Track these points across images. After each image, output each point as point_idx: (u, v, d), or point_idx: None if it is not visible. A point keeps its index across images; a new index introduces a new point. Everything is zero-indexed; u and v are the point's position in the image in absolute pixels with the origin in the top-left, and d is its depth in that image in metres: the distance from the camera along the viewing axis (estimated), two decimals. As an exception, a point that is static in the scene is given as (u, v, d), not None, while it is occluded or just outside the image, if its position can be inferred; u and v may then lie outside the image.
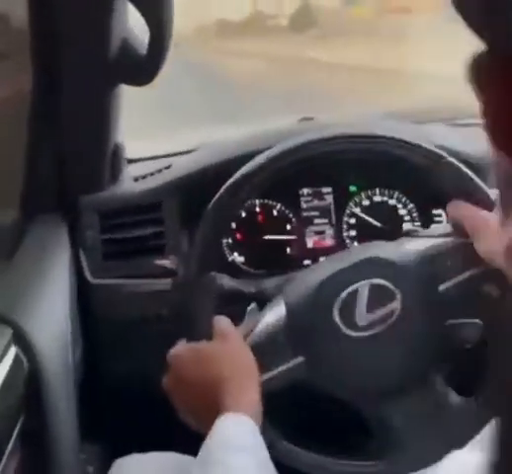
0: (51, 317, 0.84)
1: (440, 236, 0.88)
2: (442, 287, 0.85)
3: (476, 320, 0.89)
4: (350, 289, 0.83)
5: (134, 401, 1.06)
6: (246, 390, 0.74)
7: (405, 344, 0.84)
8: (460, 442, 0.86)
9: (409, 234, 0.92)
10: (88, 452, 1.00)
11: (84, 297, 1.04)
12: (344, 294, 0.83)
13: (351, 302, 0.83)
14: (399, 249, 0.88)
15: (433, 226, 0.93)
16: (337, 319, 0.83)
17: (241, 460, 0.64)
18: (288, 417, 0.83)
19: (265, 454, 0.68)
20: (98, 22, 0.92)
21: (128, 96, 1.07)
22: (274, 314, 0.86)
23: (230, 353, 0.78)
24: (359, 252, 0.91)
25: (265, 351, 0.82)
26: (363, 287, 0.83)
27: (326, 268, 0.88)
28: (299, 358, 0.83)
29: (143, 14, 0.87)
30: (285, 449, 0.85)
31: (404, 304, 0.83)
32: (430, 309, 0.85)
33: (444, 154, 0.86)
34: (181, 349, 0.80)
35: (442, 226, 0.90)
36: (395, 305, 0.83)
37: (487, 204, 0.84)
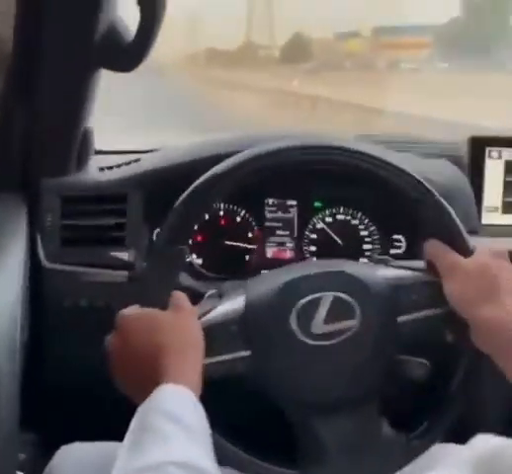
0: (2, 297, 0.81)
1: (412, 270, 0.88)
2: (400, 319, 0.85)
3: (425, 361, 0.91)
4: (313, 296, 0.83)
5: (75, 390, 1.03)
6: (189, 363, 0.74)
7: (352, 363, 0.84)
8: (381, 472, 0.86)
9: (383, 262, 0.92)
10: (21, 439, 0.97)
11: (36, 281, 1.01)
12: (306, 299, 0.83)
13: (311, 309, 0.83)
14: (370, 271, 0.88)
15: (408, 261, 0.94)
16: (293, 322, 0.82)
17: (174, 427, 0.63)
18: (221, 407, 0.82)
19: (204, 427, 0.67)
20: (86, 2, 0.90)
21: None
22: (232, 304, 0.85)
23: (181, 325, 0.77)
24: (331, 264, 0.91)
25: (215, 335, 0.81)
26: (326, 298, 0.83)
27: (294, 271, 0.88)
28: (247, 352, 0.82)
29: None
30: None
31: (361, 325, 0.83)
32: (384, 338, 0.85)
33: (434, 191, 0.86)
34: (132, 311, 0.78)
35: (416, 261, 0.90)
36: (353, 323, 0.83)
37: (464, 250, 0.85)
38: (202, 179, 0.83)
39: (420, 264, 0.89)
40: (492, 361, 0.78)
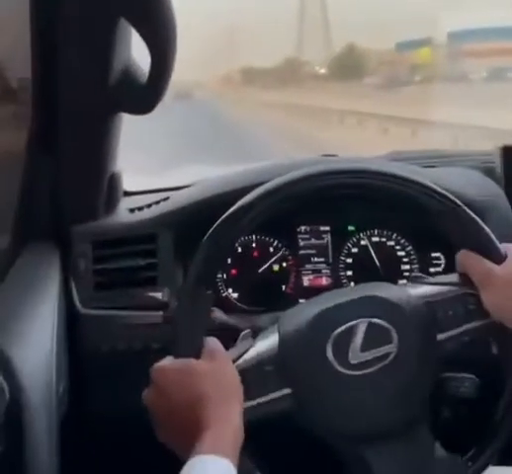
0: (38, 345, 0.82)
1: (445, 284, 0.86)
2: (440, 336, 0.83)
3: (473, 376, 0.87)
4: (347, 325, 0.81)
5: (120, 436, 1.03)
6: (229, 411, 0.72)
7: (396, 388, 0.81)
8: None
9: (415, 280, 0.91)
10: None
11: (73, 327, 1.01)
12: (340, 329, 0.81)
13: (346, 339, 0.81)
14: (403, 292, 0.86)
15: (441, 275, 0.92)
16: (330, 354, 0.80)
17: None
18: (267, 450, 0.80)
19: None
20: (100, 48, 0.91)
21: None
22: (266, 342, 0.83)
23: (217, 372, 0.76)
24: (361, 289, 0.89)
25: (252, 377, 0.80)
26: (361, 325, 0.81)
27: (325, 301, 0.86)
28: (286, 390, 0.80)
29: (147, 42, 0.86)
30: None
31: (400, 348, 0.81)
32: (426, 358, 0.82)
33: (458, 201, 0.84)
34: (166, 363, 0.77)
35: (449, 275, 0.88)
36: (391, 348, 0.81)
37: (497, 257, 0.83)
38: (228, 212, 0.83)
39: (454, 277, 0.86)
40: None
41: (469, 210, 0.85)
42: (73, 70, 0.93)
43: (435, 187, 0.84)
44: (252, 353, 0.82)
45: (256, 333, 0.87)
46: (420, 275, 0.93)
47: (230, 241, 0.84)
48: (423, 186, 0.84)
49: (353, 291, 0.90)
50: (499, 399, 0.85)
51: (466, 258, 0.84)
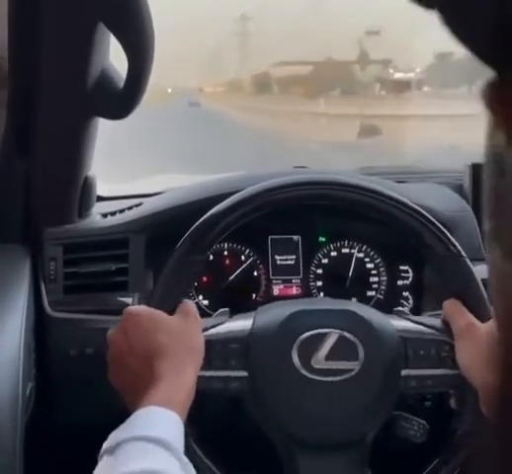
0: (5, 348, 0.81)
1: (427, 326, 0.87)
2: (405, 372, 0.84)
3: (423, 421, 0.89)
4: (319, 331, 0.82)
5: (86, 440, 1.02)
6: (185, 370, 0.73)
7: (347, 406, 0.82)
8: None
9: (398, 314, 0.92)
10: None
11: (42, 330, 1.01)
12: (311, 333, 0.82)
13: (314, 343, 0.82)
14: (384, 319, 0.87)
15: (425, 317, 0.94)
16: (295, 353, 0.82)
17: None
18: (210, 423, 0.80)
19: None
20: (78, 53, 0.91)
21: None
22: (240, 323, 0.85)
23: (184, 330, 0.77)
24: (346, 304, 0.91)
25: (216, 350, 0.82)
26: (332, 335, 0.82)
27: (307, 304, 0.88)
28: (243, 372, 0.82)
29: (124, 47, 0.87)
30: (193, 454, 0.81)
31: (363, 368, 0.82)
32: (385, 386, 0.83)
33: (461, 250, 0.85)
34: (140, 308, 0.79)
35: (433, 319, 0.90)
36: (355, 365, 0.82)
37: (483, 314, 0.83)
38: (204, 217, 0.84)
39: (436, 322, 0.88)
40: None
41: (469, 262, 0.86)
42: (50, 74, 0.93)
43: (416, 206, 0.86)
44: (223, 327, 0.85)
45: (231, 315, 0.89)
46: (404, 310, 0.94)
47: (200, 253, 0.85)
48: (405, 205, 0.86)
49: (337, 303, 0.92)
50: (444, 447, 0.86)
51: (452, 307, 0.85)
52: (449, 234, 0.86)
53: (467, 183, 1.21)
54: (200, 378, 0.76)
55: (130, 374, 0.74)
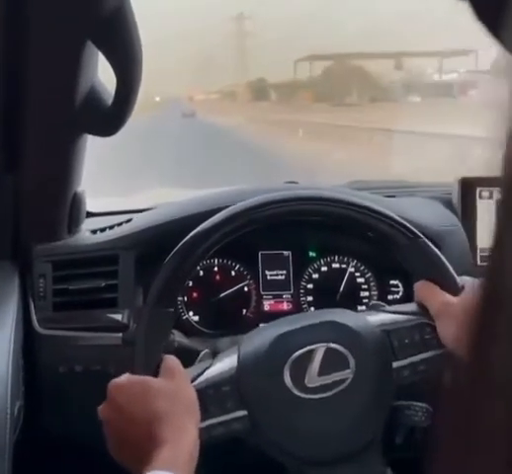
0: None
1: (404, 313, 0.88)
2: (396, 364, 0.84)
3: (425, 404, 0.88)
4: (305, 349, 0.82)
5: (74, 455, 1.01)
6: (185, 429, 0.72)
7: (350, 414, 0.82)
8: None
9: (374, 307, 0.92)
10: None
11: (30, 347, 1.00)
12: (298, 353, 0.82)
13: (304, 362, 0.82)
14: (361, 319, 0.87)
15: (400, 304, 0.94)
16: (287, 377, 0.81)
17: None
18: (223, 468, 0.79)
19: None
20: (67, 70, 0.91)
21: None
22: (225, 363, 0.84)
23: (174, 390, 0.76)
24: (320, 314, 0.90)
25: (209, 397, 0.80)
26: (319, 349, 0.82)
27: (285, 325, 0.87)
28: (242, 412, 0.81)
29: (112, 65, 0.87)
30: None
31: (357, 374, 0.82)
32: (382, 384, 0.83)
33: (419, 233, 0.87)
34: (124, 379, 0.77)
35: (408, 304, 0.90)
36: (348, 373, 0.82)
37: (454, 289, 0.85)
38: (190, 235, 0.84)
39: (413, 306, 0.88)
40: None
41: (429, 243, 0.87)
42: (39, 91, 0.93)
43: (401, 219, 0.87)
44: (210, 372, 0.83)
45: (215, 354, 0.88)
46: (379, 303, 0.94)
47: (192, 263, 0.84)
48: (391, 218, 0.87)
49: (312, 316, 0.91)
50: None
51: (423, 288, 0.86)
52: (405, 222, 0.87)
53: (456, 197, 1.22)
54: (200, 430, 0.75)
55: (133, 445, 0.73)
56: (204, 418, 0.78)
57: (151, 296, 0.81)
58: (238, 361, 0.83)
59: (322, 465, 0.83)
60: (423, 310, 0.86)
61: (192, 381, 0.80)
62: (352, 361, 0.82)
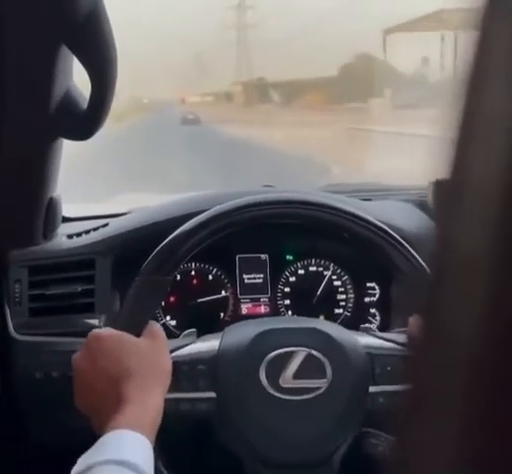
0: None
1: (393, 342, 0.88)
2: (372, 389, 0.85)
3: (389, 436, 0.89)
4: (286, 349, 0.83)
5: (52, 461, 1.00)
6: (152, 392, 0.72)
7: (315, 425, 0.82)
8: None
9: (365, 330, 0.92)
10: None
11: (6, 353, 0.99)
12: (278, 352, 0.82)
13: (282, 362, 0.82)
14: (351, 337, 0.88)
15: (391, 333, 0.94)
16: (262, 371, 0.82)
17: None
18: (175, 446, 0.79)
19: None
20: (41, 74, 0.90)
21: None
22: (207, 344, 0.85)
23: (151, 353, 0.76)
24: (313, 322, 0.91)
25: (183, 371, 0.82)
26: (299, 353, 0.82)
27: (275, 322, 0.88)
28: (211, 393, 0.82)
29: (87, 69, 0.87)
30: None
31: (331, 386, 0.82)
32: (353, 402, 0.84)
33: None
34: (104, 331, 0.77)
35: (400, 334, 0.91)
36: (323, 383, 0.82)
37: None
38: (164, 243, 0.84)
39: (403, 337, 0.89)
40: None
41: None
42: (13, 95, 0.93)
43: (379, 223, 0.87)
44: (191, 349, 0.84)
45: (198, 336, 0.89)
46: (369, 326, 0.95)
47: (167, 272, 0.84)
48: (368, 222, 0.87)
49: (303, 321, 0.92)
50: None
51: (416, 323, 0.86)
52: (413, 251, 0.87)
53: (430, 200, 1.23)
54: (167, 400, 0.75)
55: (97, 397, 0.73)
56: (173, 389, 0.78)
57: (151, 263, 0.82)
58: (220, 347, 0.84)
59: (279, 468, 0.83)
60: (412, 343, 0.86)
61: (171, 352, 0.81)
62: (329, 373, 0.82)
